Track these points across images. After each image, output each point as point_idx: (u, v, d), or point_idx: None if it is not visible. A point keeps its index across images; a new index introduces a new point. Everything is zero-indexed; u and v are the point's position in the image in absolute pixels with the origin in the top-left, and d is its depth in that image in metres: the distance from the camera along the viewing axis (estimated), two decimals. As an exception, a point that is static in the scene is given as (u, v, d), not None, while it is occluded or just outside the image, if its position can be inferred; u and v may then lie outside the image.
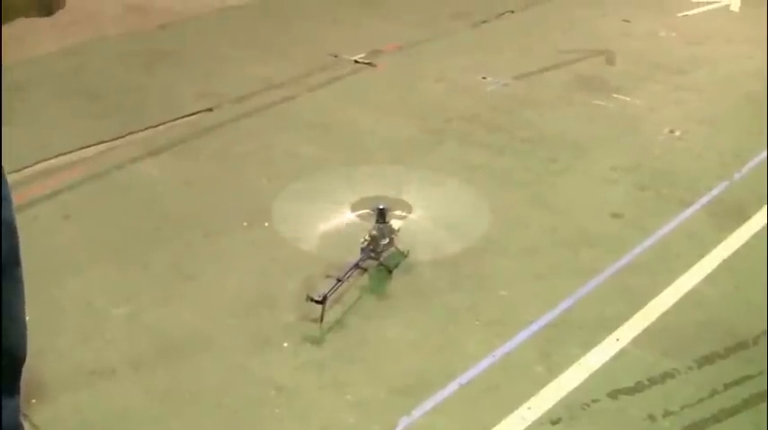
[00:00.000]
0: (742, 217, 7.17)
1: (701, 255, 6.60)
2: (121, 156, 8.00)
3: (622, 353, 5.47)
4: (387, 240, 6.21)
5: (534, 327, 5.73)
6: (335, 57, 10.37)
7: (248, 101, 9.22)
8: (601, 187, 7.63)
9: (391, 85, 9.75)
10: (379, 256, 6.19)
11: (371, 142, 8.37)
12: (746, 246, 6.81)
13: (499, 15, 12.02)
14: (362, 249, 6.11)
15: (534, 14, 12.31)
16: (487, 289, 6.14)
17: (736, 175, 7.84)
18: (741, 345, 5.61)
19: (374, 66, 10.18)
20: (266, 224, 6.85)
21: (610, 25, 11.91)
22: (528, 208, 7.27)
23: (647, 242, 6.76)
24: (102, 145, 8.17)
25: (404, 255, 6.36)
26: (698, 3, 12.81)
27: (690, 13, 12.47)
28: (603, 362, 5.38)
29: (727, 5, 12.76)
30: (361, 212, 6.89)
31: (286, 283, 6.12)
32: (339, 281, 5.80)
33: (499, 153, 8.20)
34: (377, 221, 6.23)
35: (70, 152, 7.97)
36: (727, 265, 6.53)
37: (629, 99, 9.43)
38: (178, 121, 8.71)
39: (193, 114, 8.86)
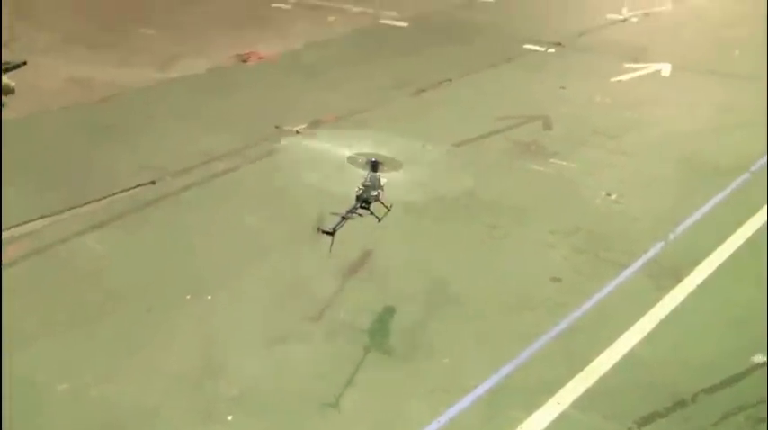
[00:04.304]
0: (677, 277, 7.35)
1: (639, 316, 6.75)
2: (64, 230, 7.99)
3: (563, 417, 5.56)
4: (376, 192, 6.97)
5: (478, 392, 5.81)
6: (277, 128, 10.45)
7: (191, 173, 9.25)
8: (540, 252, 7.77)
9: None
10: (369, 205, 6.94)
11: (314, 212, 8.42)
12: (683, 304, 6.98)
13: (438, 84, 12.21)
14: (357, 197, 6.93)
15: (473, 82, 12.52)
16: (431, 356, 6.21)
17: (671, 236, 8.03)
18: (680, 404, 5.73)
19: (315, 136, 10.28)
20: (209, 297, 6.88)
21: (546, 91, 12.16)
22: (469, 273, 7.38)
23: (587, 305, 6.89)
24: (45, 219, 8.16)
25: (388, 208, 7.15)
26: (630, 68, 13.12)
27: (623, 78, 12.78)
28: (545, 426, 5.47)
29: (659, 71, 13.10)
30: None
31: (229, 356, 6.15)
32: (343, 218, 6.71)
33: (441, 220, 8.32)
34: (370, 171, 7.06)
35: (13, 227, 7.94)
36: (664, 325, 6.69)
37: (566, 164, 9.63)
38: (121, 195, 8.72)
39: (136, 187, 8.88)
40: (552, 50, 14.00)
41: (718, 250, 7.80)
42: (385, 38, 14.88)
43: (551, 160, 9.71)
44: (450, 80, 12.42)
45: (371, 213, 6.93)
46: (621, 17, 16.43)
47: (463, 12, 16.71)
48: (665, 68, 13.21)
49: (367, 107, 11.27)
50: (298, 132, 10.32)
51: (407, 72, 12.76)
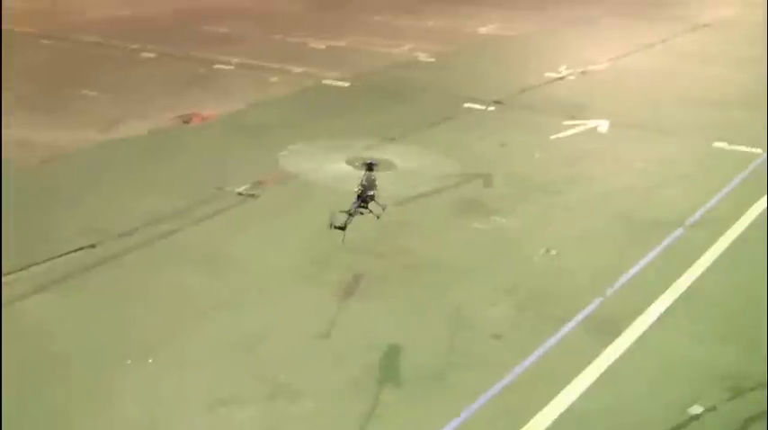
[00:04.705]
0: (616, 331, 7.48)
1: (579, 371, 6.84)
2: (6, 294, 7.92)
3: (505, 475, 5.61)
4: (372, 192, 8.08)
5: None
6: (219, 189, 10.49)
7: (133, 235, 9.25)
8: (481, 309, 7.85)
9: (275, 216, 9.87)
10: (367, 204, 8.08)
11: (257, 275, 8.47)
12: (621, 359, 7.09)
13: (381, 142, 12.30)
14: (358, 196, 8.12)
15: (414, 141, 12.60)
16: (374, 417, 6.23)
17: (609, 291, 8.16)
18: (620, 458, 5.81)
19: (257, 197, 10.32)
20: (150, 361, 6.86)
21: (487, 148, 12.32)
22: (411, 333, 7.43)
23: (527, 361, 6.98)
24: (-14, 284, 8.11)
25: (383, 208, 8.26)
26: (569, 125, 13.36)
27: (562, 135, 12.99)
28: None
29: (596, 127, 13.36)
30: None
31: (171, 421, 6.13)
32: (350, 214, 8.05)
33: (382, 280, 8.38)
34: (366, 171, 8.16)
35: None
36: (604, 379, 6.79)
37: (506, 221, 9.76)
38: (62, 258, 8.68)
39: (77, 251, 8.84)
40: (492, 108, 14.22)
41: (655, 304, 7.96)
42: (327, 98, 15.03)
43: (492, 217, 9.84)
44: (394, 138, 12.52)
45: (370, 211, 8.11)
46: (559, 75, 16.75)
47: (404, 71, 16.95)
48: (603, 125, 13.47)
49: (311, 167, 11.35)
50: (239, 194, 10.36)
51: (349, 131, 12.86)
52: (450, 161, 8.75)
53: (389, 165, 8.73)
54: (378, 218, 8.12)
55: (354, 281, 8.07)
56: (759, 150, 12.23)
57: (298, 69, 16.74)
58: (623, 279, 8.42)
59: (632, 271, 8.59)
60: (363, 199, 8.03)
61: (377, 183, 7.99)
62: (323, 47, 19.11)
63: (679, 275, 8.49)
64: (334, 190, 10.47)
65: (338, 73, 16.35)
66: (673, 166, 11.69)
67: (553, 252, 9.01)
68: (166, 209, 9.89)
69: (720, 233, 9.47)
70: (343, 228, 7.86)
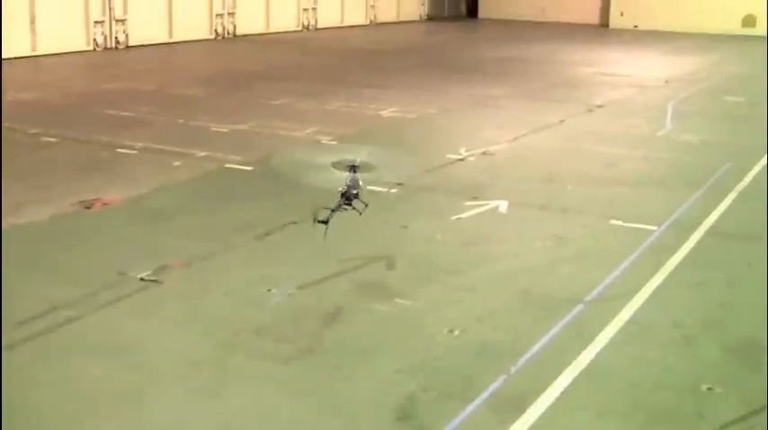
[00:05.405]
0: (520, 408, 7.58)
1: (485, 450, 6.92)
2: None
3: None
4: (356, 191, 8.77)
5: None
6: (122, 275, 10.38)
7: (32, 324, 9.07)
8: (386, 391, 7.88)
9: (178, 301, 9.81)
10: (351, 202, 8.76)
11: (161, 362, 8.38)
12: (526, 437, 7.20)
13: (283, 227, 12.32)
14: (342, 194, 8.89)
15: (316, 225, 12.67)
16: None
17: (512, 369, 8.28)
18: None
19: (160, 283, 10.25)
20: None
21: (389, 231, 12.41)
22: (315, 417, 7.44)
23: (432, 442, 7.03)
24: None
25: (366, 204, 9.02)
26: (469, 206, 13.56)
27: (463, 215, 13.19)
28: None
29: (497, 207, 13.60)
30: None
31: None
32: (333, 211, 8.94)
33: (286, 364, 8.37)
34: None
35: None
36: (509, 458, 6.88)
37: (410, 302, 9.84)
38: (-42, 350, 8.48)
39: (-26, 341, 8.66)
40: (394, 191, 14.34)
41: (559, 379, 8.11)
42: (230, 181, 15.03)
43: (395, 299, 9.91)
44: (296, 222, 12.53)
45: (354, 208, 8.78)
46: (460, 156, 17.04)
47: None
48: (503, 205, 13.70)
49: (212, 251, 11.31)
50: (142, 279, 10.28)
51: (252, 215, 12.87)
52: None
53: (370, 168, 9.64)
54: (360, 214, 8.95)
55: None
56: (653, 227, 12.61)
57: (201, 153, 16.74)
58: (527, 356, 8.56)
59: (535, 347, 8.74)
60: (348, 196, 8.77)
61: (361, 183, 8.96)
62: (225, 130, 19.18)
63: (580, 351, 8.67)
64: (236, 277, 10.54)
65: (241, 157, 16.39)
66: (571, 244, 11.97)
67: (456, 332, 9.12)
68: (67, 295, 9.74)
69: (619, 308, 9.71)
70: (325, 223, 8.48)
